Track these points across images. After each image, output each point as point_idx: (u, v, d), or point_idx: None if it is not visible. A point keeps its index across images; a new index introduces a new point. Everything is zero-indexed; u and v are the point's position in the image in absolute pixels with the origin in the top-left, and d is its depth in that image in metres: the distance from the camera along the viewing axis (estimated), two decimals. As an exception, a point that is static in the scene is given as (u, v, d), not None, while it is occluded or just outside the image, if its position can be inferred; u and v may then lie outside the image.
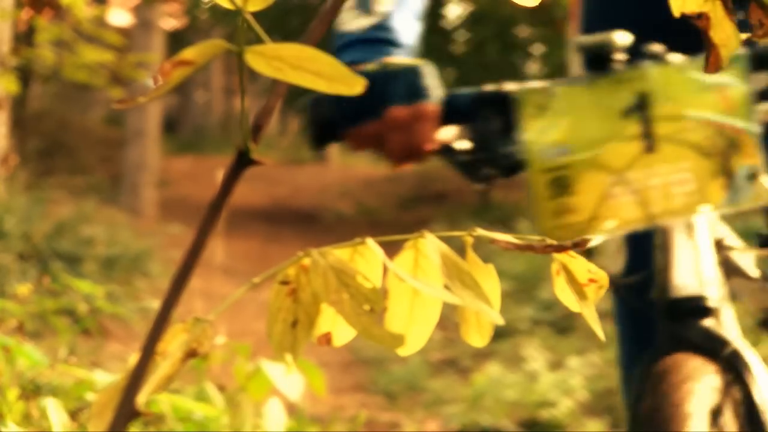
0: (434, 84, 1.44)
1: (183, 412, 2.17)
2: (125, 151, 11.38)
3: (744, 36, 0.67)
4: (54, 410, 1.81)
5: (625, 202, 1.39)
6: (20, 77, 6.92)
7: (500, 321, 0.55)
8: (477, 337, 0.65)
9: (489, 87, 1.55)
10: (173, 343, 0.58)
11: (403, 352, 0.61)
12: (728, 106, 1.36)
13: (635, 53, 1.46)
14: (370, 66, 1.44)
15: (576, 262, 0.64)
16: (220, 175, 0.64)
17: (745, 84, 1.36)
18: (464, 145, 1.50)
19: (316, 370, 2.43)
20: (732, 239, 1.71)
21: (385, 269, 0.61)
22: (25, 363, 2.37)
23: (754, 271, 1.75)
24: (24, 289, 3.03)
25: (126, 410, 0.53)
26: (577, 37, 1.71)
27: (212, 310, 0.60)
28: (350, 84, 0.55)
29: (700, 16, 0.64)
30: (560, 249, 0.62)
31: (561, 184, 1.48)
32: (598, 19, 1.85)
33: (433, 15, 14.23)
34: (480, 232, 0.60)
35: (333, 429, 4.33)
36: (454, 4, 14.65)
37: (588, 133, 1.41)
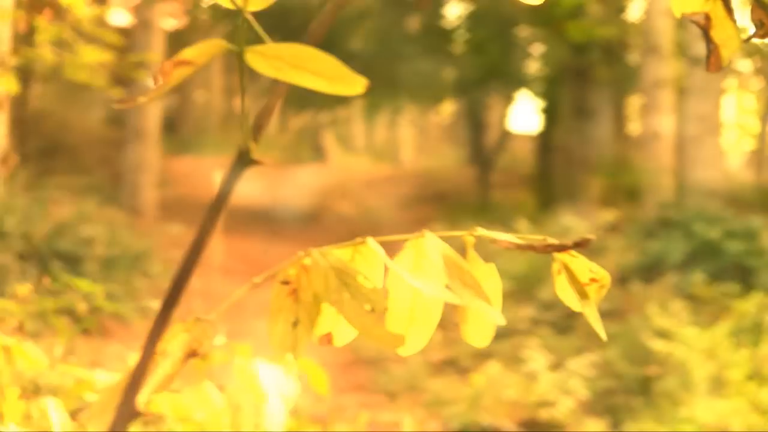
0: None
1: (183, 412, 2.17)
2: (125, 151, 11.37)
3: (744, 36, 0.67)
4: (54, 410, 1.81)
5: None
6: (20, 77, 6.92)
7: (502, 321, 0.55)
8: (478, 338, 0.64)
9: None
10: (173, 343, 0.58)
11: (403, 352, 0.61)
12: None
13: None
14: None
15: (577, 261, 0.63)
16: (218, 176, 0.64)
17: None
18: None
19: (318, 369, 2.42)
20: None
21: (386, 269, 0.61)
22: (25, 363, 2.36)
23: None
24: (24, 289, 3.03)
25: (126, 410, 0.53)
26: None
27: (212, 310, 0.60)
28: (351, 84, 0.55)
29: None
30: (561, 248, 0.62)
31: None
32: None
33: (433, 15, 14.24)
34: (481, 231, 0.60)
35: (333, 429, 4.33)
36: (454, 4, 14.66)
37: None
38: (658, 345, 5.64)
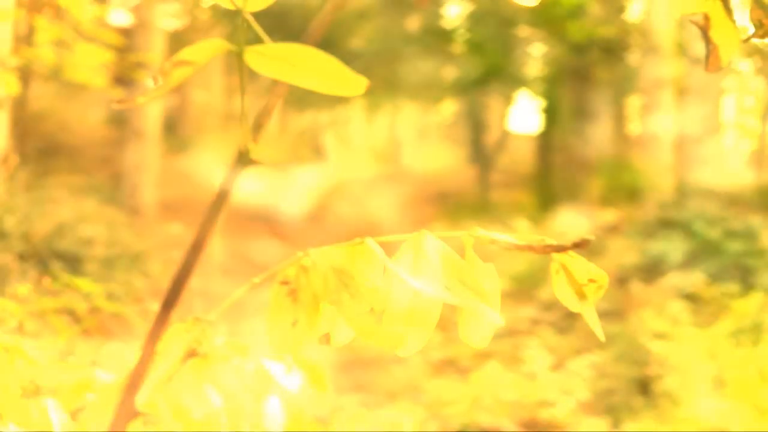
0: None
1: (182, 412, 2.17)
2: (125, 151, 11.37)
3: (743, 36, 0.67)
4: (54, 410, 1.81)
5: None
6: (20, 77, 6.91)
7: (500, 322, 0.55)
8: (476, 338, 0.64)
9: None
10: (173, 343, 0.58)
11: (402, 352, 0.61)
12: None
13: None
14: None
15: (575, 262, 0.63)
16: (218, 176, 0.64)
17: None
18: None
19: (319, 368, 2.42)
20: None
21: (385, 269, 0.61)
22: (25, 363, 2.36)
23: None
24: (24, 289, 3.03)
25: (126, 410, 0.53)
26: None
27: (212, 310, 0.60)
28: (351, 84, 0.55)
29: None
30: (560, 249, 0.61)
31: None
32: None
33: (433, 15, 14.23)
34: (480, 232, 0.60)
35: (333, 429, 4.33)
36: (454, 4, 14.65)
37: None
38: (657, 345, 5.64)
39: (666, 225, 8.50)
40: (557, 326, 6.63)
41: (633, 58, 13.12)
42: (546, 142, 14.03)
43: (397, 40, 13.72)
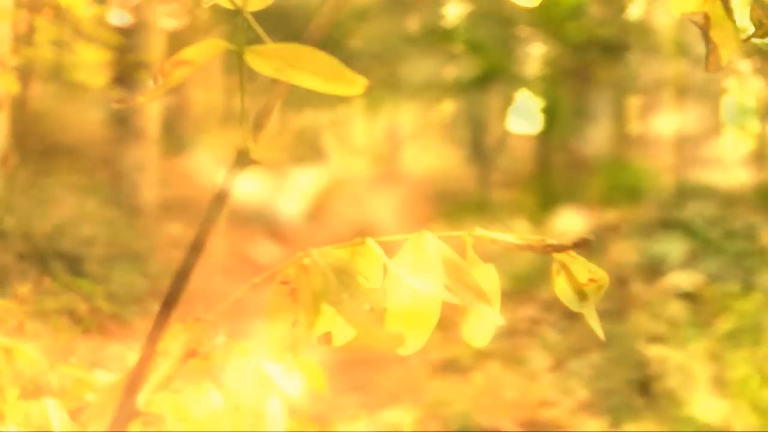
0: None
1: (183, 412, 2.17)
2: (125, 151, 11.36)
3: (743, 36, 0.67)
4: (54, 410, 1.81)
5: None
6: (20, 77, 6.91)
7: (500, 321, 0.55)
8: (477, 337, 0.64)
9: None
10: (173, 343, 0.58)
11: (402, 352, 0.61)
12: None
13: None
14: None
15: (576, 261, 0.63)
16: (218, 176, 0.64)
17: None
18: None
19: (317, 368, 2.42)
20: None
21: (385, 269, 0.61)
22: (25, 363, 2.36)
23: None
24: (24, 289, 3.03)
25: (126, 410, 0.53)
26: None
27: (212, 310, 0.60)
28: (351, 84, 0.55)
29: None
30: (560, 249, 0.61)
31: None
32: None
33: (433, 15, 14.24)
34: (480, 231, 0.60)
35: (333, 429, 4.33)
36: (454, 4, 14.65)
37: None
38: (657, 345, 5.64)
39: (666, 225, 8.50)
40: (557, 326, 6.63)
41: (633, 58, 13.11)
42: (546, 142, 14.03)
43: (397, 40, 13.72)
